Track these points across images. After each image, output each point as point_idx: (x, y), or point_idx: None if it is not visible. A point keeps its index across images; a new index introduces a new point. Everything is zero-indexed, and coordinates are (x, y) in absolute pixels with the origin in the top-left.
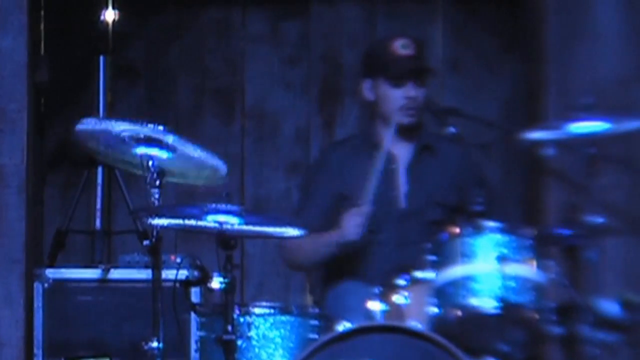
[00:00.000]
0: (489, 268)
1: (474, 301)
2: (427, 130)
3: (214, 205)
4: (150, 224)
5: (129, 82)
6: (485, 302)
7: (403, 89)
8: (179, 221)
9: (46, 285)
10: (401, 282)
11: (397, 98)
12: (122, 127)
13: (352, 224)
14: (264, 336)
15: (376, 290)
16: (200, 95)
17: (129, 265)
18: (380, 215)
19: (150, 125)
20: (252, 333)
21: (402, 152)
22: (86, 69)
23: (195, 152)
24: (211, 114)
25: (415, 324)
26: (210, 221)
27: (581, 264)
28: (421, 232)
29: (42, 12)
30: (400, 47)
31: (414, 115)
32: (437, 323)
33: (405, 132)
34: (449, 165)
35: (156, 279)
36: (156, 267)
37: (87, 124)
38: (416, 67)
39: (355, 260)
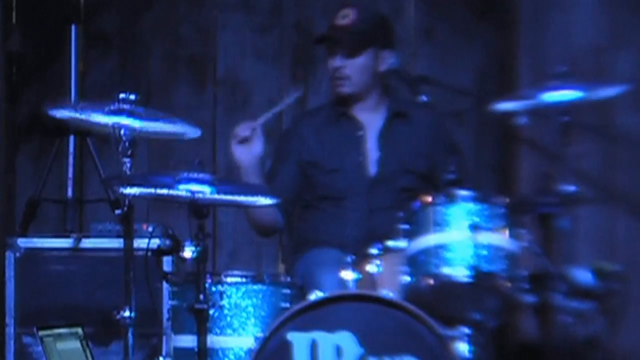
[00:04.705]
0: (461, 236)
1: (446, 270)
2: (399, 97)
3: (185, 174)
4: (122, 192)
5: (102, 50)
6: (458, 271)
7: (332, 59)
8: (151, 190)
9: (18, 254)
10: (374, 250)
11: (329, 68)
12: (93, 116)
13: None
14: (236, 305)
15: (349, 258)
16: (173, 63)
17: (100, 234)
18: (347, 181)
19: (122, 95)
20: (225, 302)
21: (373, 119)
22: (58, 38)
23: (167, 123)
24: (183, 82)
25: (387, 292)
26: (182, 190)
27: (554, 233)
28: (391, 199)
29: None
30: (340, 17)
31: (341, 86)
32: (410, 292)
33: (346, 102)
34: (421, 132)
35: (128, 248)
36: (128, 236)
37: (59, 112)
38: (332, 36)
39: (325, 226)
